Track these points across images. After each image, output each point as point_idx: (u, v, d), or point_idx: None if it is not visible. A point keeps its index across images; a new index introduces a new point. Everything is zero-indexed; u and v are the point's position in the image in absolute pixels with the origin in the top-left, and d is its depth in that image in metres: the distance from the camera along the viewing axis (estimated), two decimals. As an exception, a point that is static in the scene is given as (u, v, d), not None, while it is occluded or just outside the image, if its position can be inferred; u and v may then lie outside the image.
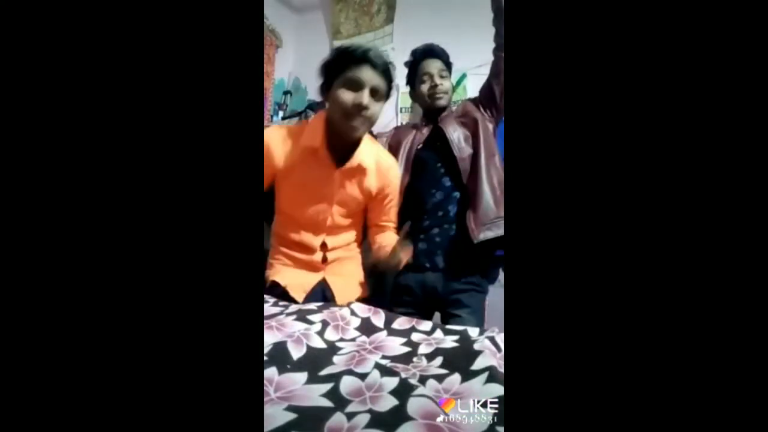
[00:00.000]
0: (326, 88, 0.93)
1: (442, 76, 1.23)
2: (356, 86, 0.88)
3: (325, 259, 1.03)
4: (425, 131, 1.22)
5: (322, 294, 1.01)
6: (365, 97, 0.87)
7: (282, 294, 0.95)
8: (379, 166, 1.01)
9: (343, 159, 0.96)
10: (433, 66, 1.23)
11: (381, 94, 0.91)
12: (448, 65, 1.28)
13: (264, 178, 0.96)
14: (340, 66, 0.90)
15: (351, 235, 1.08)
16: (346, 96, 0.88)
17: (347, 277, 1.06)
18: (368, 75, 0.88)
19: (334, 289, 1.02)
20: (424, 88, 1.24)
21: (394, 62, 0.95)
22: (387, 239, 1.02)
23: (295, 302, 0.91)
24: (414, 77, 1.28)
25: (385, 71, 0.91)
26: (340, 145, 0.95)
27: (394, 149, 1.20)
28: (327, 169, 0.95)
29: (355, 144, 0.96)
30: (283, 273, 1.00)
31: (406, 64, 1.30)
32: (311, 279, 1.01)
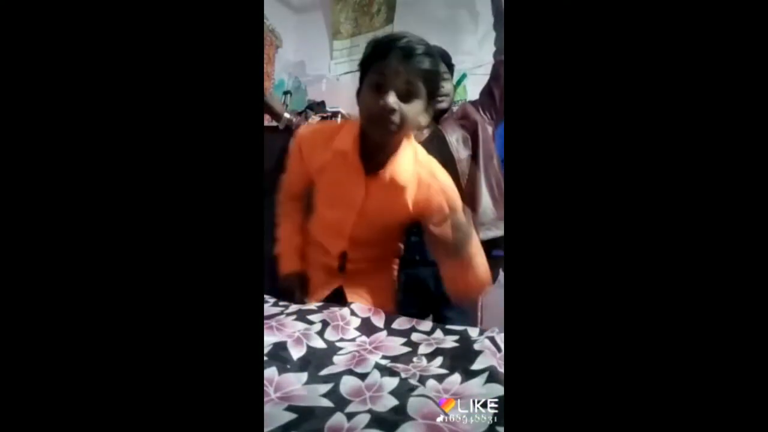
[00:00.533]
0: (359, 89, 0.79)
1: (443, 79, 1.23)
2: (381, 86, 0.73)
3: (343, 268, 0.92)
4: (425, 132, 1.23)
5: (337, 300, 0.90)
6: (391, 98, 0.71)
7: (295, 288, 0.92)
8: (421, 181, 0.83)
9: (375, 167, 0.81)
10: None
11: (417, 92, 0.74)
12: (450, 67, 1.27)
13: (301, 179, 0.92)
14: (369, 61, 0.75)
15: (379, 251, 0.94)
16: (369, 98, 0.74)
17: (368, 291, 0.91)
18: (395, 71, 0.72)
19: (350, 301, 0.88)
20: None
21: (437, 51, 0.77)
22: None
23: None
24: None
25: (422, 63, 0.72)
26: (373, 152, 0.81)
27: None
28: (355, 176, 0.82)
29: (391, 151, 0.81)
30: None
31: None
32: (327, 290, 0.92)
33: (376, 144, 0.79)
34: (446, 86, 1.23)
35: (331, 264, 0.93)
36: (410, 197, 0.83)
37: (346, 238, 0.90)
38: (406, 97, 0.73)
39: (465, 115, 1.22)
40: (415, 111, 0.75)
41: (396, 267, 1.01)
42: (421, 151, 0.88)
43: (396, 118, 0.73)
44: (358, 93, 0.80)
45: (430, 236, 0.83)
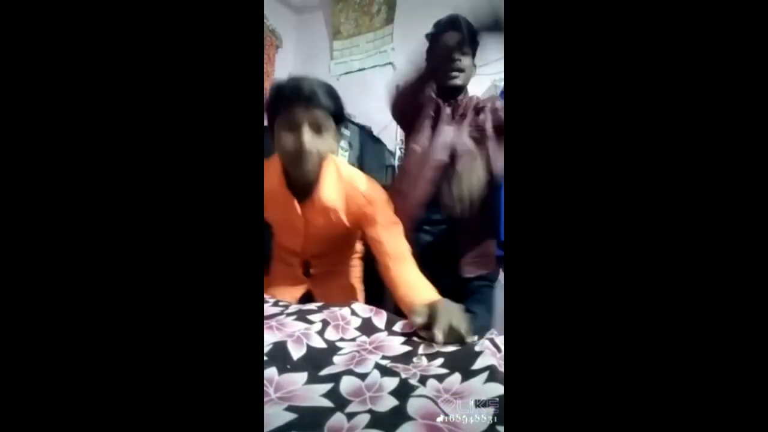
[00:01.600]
0: (271, 132, 0.87)
1: (462, 53, 1.11)
2: (293, 127, 0.81)
3: (308, 273, 1.01)
4: (459, 126, 1.09)
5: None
6: (304, 136, 0.80)
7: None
8: (348, 197, 0.92)
9: (305, 194, 0.90)
10: (454, 40, 1.09)
11: (325, 126, 0.83)
12: (473, 41, 1.13)
13: None
14: (275, 107, 0.84)
15: (340, 255, 1.05)
16: (286, 140, 0.82)
17: (335, 292, 1.01)
18: (302, 111, 0.81)
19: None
20: (440, 64, 1.11)
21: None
22: (409, 288, 0.83)
23: None
24: (432, 51, 1.14)
25: (322, 100, 0.82)
26: (299, 182, 0.89)
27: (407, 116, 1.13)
28: (290, 207, 0.91)
29: (315, 178, 0.89)
30: (271, 290, 1.00)
31: (427, 36, 1.18)
32: (297, 294, 1.00)
33: (299, 175, 0.87)
34: (464, 61, 1.11)
35: (297, 272, 1.02)
36: (343, 213, 0.92)
37: (303, 255, 1.00)
38: (316, 131, 0.82)
39: (480, 127, 1.10)
40: (329, 139, 0.85)
41: (359, 266, 1.09)
42: (344, 167, 0.95)
43: (313, 152, 0.82)
44: (270, 134, 0.86)
45: (370, 243, 0.92)
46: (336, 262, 1.03)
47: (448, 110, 1.13)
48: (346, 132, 1.58)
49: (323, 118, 0.83)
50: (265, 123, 0.89)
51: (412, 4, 2.06)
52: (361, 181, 0.94)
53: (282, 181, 0.90)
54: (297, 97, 0.81)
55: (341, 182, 0.92)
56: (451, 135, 1.10)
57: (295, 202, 0.90)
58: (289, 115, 0.81)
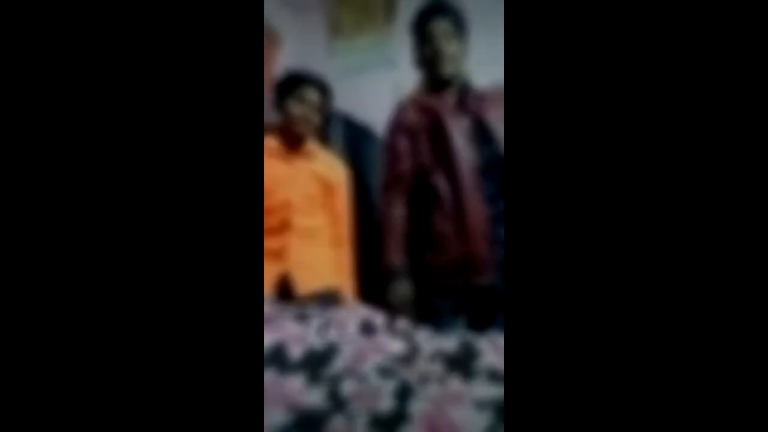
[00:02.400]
0: (279, 101, 1.26)
1: (447, 39, 1.01)
2: (303, 102, 1.22)
3: (286, 246, 1.12)
4: (464, 120, 0.99)
5: (283, 287, 1.08)
6: (310, 111, 1.22)
7: None
8: (326, 156, 1.32)
9: (296, 147, 1.25)
10: (438, 27, 1.02)
11: (321, 109, 1.26)
12: (460, 25, 1.05)
13: None
14: (292, 85, 1.24)
15: (318, 220, 1.21)
16: (296, 109, 1.22)
17: (310, 265, 1.15)
18: (312, 94, 1.23)
19: (297, 277, 1.10)
20: (426, 53, 1.03)
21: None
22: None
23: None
24: (418, 43, 1.07)
25: (324, 92, 1.25)
26: (292, 140, 1.25)
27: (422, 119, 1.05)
28: (282, 156, 1.24)
29: (303, 138, 1.26)
30: None
31: (410, 28, 1.10)
32: (273, 272, 1.09)
33: (293, 135, 1.24)
34: (449, 48, 1.01)
35: (274, 245, 1.10)
36: (322, 166, 1.27)
37: (289, 207, 1.16)
38: (317, 110, 1.24)
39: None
40: (319, 118, 1.26)
41: (334, 247, 1.26)
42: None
43: (312, 123, 1.24)
44: (276, 103, 1.25)
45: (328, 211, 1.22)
46: (315, 227, 1.20)
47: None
48: (343, 130, 1.63)
49: (321, 104, 1.25)
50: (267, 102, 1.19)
51: (412, 4, 2.06)
52: (338, 165, 1.34)
53: (277, 140, 1.24)
54: (310, 83, 1.23)
55: (320, 148, 1.32)
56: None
57: (285, 149, 1.24)
58: (303, 94, 1.22)
